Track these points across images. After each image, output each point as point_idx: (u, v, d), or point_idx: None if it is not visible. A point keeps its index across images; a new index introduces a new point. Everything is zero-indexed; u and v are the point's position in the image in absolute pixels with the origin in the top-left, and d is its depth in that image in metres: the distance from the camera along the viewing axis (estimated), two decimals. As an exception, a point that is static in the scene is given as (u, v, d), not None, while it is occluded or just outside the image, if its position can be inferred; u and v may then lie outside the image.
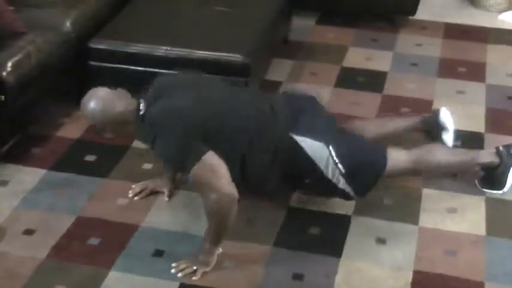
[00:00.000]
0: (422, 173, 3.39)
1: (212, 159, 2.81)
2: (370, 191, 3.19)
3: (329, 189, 3.12)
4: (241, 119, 2.99)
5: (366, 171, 3.15)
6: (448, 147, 3.45)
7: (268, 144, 3.01)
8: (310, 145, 3.04)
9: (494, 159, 3.33)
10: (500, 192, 3.36)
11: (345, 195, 3.16)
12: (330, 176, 3.06)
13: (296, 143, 3.04)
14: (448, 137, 3.53)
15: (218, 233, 2.87)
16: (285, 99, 3.27)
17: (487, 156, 3.35)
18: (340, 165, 3.05)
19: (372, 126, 3.53)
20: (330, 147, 3.04)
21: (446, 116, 3.54)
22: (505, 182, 3.34)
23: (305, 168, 3.07)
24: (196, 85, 3.07)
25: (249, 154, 2.97)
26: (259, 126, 3.02)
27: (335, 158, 3.04)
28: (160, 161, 3.12)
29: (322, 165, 3.04)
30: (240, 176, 2.92)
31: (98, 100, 2.93)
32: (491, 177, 3.38)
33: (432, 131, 3.56)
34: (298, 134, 3.05)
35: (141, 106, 2.92)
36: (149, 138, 2.91)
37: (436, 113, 3.57)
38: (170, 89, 2.99)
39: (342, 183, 3.08)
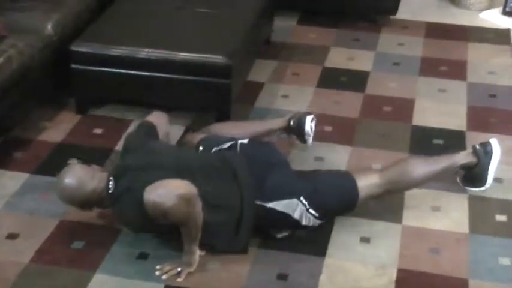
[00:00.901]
0: (400, 191, 3.32)
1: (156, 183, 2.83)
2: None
3: (303, 228, 3.11)
4: (206, 194, 2.91)
5: (339, 209, 3.17)
6: (423, 158, 3.34)
7: (234, 210, 2.98)
8: (283, 205, 3.02)
9: (472, 159, 3.34)
10: (482, 188, 3.38)
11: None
12: (305, 222, 3.06)
13: (265, 208, 3.02)
14: (310, 140, 3.61)
15: (191, 231, 2.86)
16: (246, 159, 3.13)
17: (464, 157, 3.36)
18: (312, 211, 3.04)
19: (240, 129, 3.51)
20: (301, 198, 3.03)
21: (309, 127, 3.56)
22: (486, 179, 3.36)
23: (278, 222, 3.07)
24: (163, 157, 3.08)
25: (214, 222, 2.93)
26: (224, 200, 2.98)
27: (307, 206, 3.03)
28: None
29: (294, 213, 3.03)
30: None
31: (72, 177, 2.98)
32: (471, 175, 3.39)
33: (297, 134, 3.61)
34: (266, 200, 3.02)
35: (110, 184, 2.94)
36: (117, 213, 3.01)
37: (301, 122, 3.56)
38: (138, 163, 3.00)
39: (314, 222, 3.08)
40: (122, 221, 3.06)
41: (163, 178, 2.84)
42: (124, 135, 3.41)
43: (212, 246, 2.99)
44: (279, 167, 3.17)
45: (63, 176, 3.00)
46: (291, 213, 3.03)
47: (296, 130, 3.59)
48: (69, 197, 3.01)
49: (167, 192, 2.77)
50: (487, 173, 3.35)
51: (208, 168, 3.05)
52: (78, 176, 2.98)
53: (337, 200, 3.12)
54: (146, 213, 2.79)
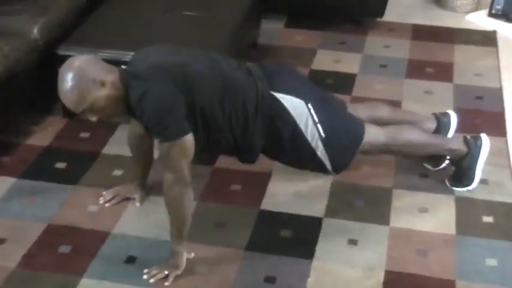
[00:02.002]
0: (396, 152, 3.40)
1: (189, 142, 2.79)
2: (346, 167, 3.23)
3: (307, 156, 3.11)
4: (224, 79, 2.96)
5: (344, 140, 3.16)
6: (419, 129, 3.44)
7: (251, 104, 2.98)
8: (290, 101, 3.03)
9: (463, 148, 3.38)
10: (470, 188, 3.40)
11: (321, 168, 3.17)
12: (309, 138, 3.05)
13: (276, 99, 3.03)
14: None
15: (178, 225, 2.87)
16: (261, 65, 3.23)
17: (456, 142, 3.41)
18: (319, 126, 3.05)
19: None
20: (309, 105, 3.04)
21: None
22: (474, 176, 3.39)
23: (285, 127, 3.05)
24: (177, 50, 3.04)
25: (234, 114, 2.95)
26: (240, 86, 2.99)
27: (314, 117, 3.05)
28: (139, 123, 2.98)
29: (301, 123, 3.03)
30: (227, 137, 2.97)
31: (73, 85, 2.73)
32: (460, 170, 3.41)
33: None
34: (277, 91, 3.04)
35: (124, 67, 2.86)
36: (136, 97, 2.76)
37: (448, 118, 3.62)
38: (150, 54, 2.95)
39: (320, 151, 3.09)
40: (137, 108, 2.81)
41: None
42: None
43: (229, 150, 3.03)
44: (295, 74, 3.27)
45: (62, 72, 2.77)
46: (297, 119, 3.03)
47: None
48: (77, 96, 2.75)
49: (177, 163, 2.77)
50: (476, 168, 3.39)
51: (223, 62, 3.06)
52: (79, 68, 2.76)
53: (344, 125, 3.18)
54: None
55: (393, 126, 3.33)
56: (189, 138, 2.79)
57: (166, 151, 2.78)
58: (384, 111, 3.47)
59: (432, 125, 3.53)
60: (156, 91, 2.75)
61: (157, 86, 2.76)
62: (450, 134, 3.56)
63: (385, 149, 3.30)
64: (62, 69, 2.79)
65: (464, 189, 3.41)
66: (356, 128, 3.19)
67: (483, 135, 3.43)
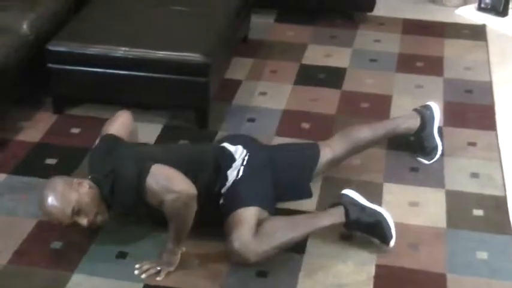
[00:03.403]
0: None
1: (159, 167, 2.85)
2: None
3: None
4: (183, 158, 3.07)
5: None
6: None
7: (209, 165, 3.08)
8: (232, 148, 3.14)
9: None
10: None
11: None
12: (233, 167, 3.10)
13: (221, 147, 3.16)
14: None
15: (179, 231, 2.87)
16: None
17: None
18: (241, 168, 3.09)
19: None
20: (244, 150, 3.14)
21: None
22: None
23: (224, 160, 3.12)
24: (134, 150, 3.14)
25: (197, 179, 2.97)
26: (200, 158, 3.10)
27: (245, 161, 3.10)
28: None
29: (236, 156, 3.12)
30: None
31: (56, 193, 2.87)
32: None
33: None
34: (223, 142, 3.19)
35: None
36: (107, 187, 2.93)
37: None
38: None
39: (224, 188, 3.08)
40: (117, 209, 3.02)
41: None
42: (88, 155, 3.36)
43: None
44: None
45: (45, 196, 2.90)
46: (236, 156, 3.12)
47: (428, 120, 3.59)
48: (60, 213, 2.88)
49: (170, 185, 2.79)
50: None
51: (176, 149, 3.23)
52: (58, 190, 2.90)
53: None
54: (139, 190, 2.83)
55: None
56: (157, 166, 2.86)
57: (151, 188, 2.82)
58: (366, 132, 3.44)
59: (416, 121, 3.53)
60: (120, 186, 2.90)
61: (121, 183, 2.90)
62: (436, 125, 3.57)
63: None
64: (43, 192, 2.89)
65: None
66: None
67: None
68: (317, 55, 4.65)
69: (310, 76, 4.39)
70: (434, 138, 3.54)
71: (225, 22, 4.11)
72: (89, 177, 2.99)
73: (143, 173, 2.83)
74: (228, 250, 2.88)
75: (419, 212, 3.28)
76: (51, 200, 2.86)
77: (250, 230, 2.87)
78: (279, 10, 5.22)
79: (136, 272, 2.90)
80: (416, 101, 3.94)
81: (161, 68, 3.74)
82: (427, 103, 3.61)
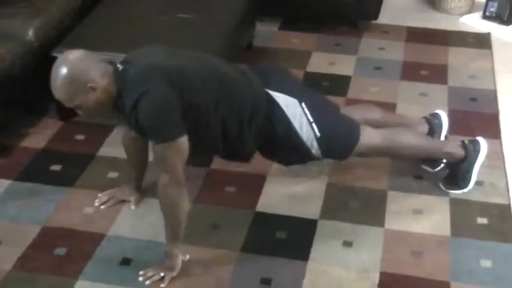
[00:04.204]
0: (393, 155, 3.42)
1: (184, 144, 2.77)
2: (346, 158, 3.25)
3: (303, 155, 3.11)
4: (219, 77, 2.96)
5: (340, 140, 3.16)
6: (417, 132, 3.46)
7: (246, 102, 2.99)
8: (284, 100, 3.04)
9: (461, 152, 3.38)
10: (465, 190, 3.41)
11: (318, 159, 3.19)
12: (304, 137, 3.05)
13: (271, 97, 3.03)
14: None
15: (173, 227, 2.87)
16: (255, 68, 3.22)
17: (454, 147, 3.41)
18: (314, 126, 3.05)
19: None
20: (303, 105, 3.04)
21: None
22: (469, 179, 3.39)
23: (280, 125, 3.04)
24: (172, 51, 3.03)
25: (229, 113, 2.94)
26: (235, 85, 3.00)
27: (309, 116, 3.04)
28: (132, 132, 3.04)
29: (296, 122, 3.03)
30: (221, 141, 2.94)
31: (69, 65, 2.72)
32: (456, 173, 3.42)
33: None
34: (271, 89, 3.05)
35: (118, 65, 2.82)
36: (130, 102, 2.74)
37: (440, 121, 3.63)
38: (145, 54, 2.93)
39: (315, 150, 3.09)
40: (132, 112, 2.78)
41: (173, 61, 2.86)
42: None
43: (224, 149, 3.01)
44: (287, 75, 3.29)
45: (56, 65, 2.75)
46: (291, 118, 3.03)
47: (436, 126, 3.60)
48: (69, 90, 2.74)
49: (170, 165, 2.77)
50: (472, 172, 3.39)
51: (215, 61, 3.07)
52: (73, 61, 2.74)
53: (340, 125, 3.18)
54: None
55: (389, 129, 3.33)
56: (184, 140, 2.78)
57: (162, 152, 2.78)
58: (376, 114, 3.46)
59: (424, 128, 3.54)
60: (152, 93, 2.73)
61: (153, 87, 2.74)
62: (443, 134, 3.57)
63: (381, 152, 3.31)
64: (57, 62, 2.76)
65: (459, 191, 3.42)
66: (352, 129, 3.19)
67: (480, 139, 3.44)
68: (321, 63, 4.65)
69: (314, 84, 4.38)
70: None
71: (229, 29, 4.12)
72: (118, 69, 2.81)
73: (168, 135, 2.74)
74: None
75: (423, 219, 3.28)
76: (56, 84, 2.73)
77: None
78: (284, 18, 5.23)
79: (140, 278, 2.90)
80: (420, 108, 3.94)
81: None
82: (436, 111, 3.61)
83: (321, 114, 3.09)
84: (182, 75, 2.83)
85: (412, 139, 3.34)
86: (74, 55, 2.77)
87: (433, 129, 3.54)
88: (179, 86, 2.79)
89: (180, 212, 2.85)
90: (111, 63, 2.85)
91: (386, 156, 3.43)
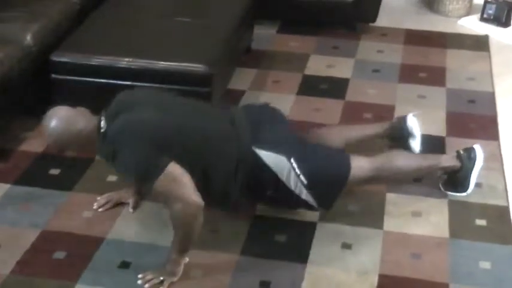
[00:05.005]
0: (386, 181, 3.40)
1: (175, 169, 2.79)
2: (333, 203, 3.18)
3: (292, 200, 3.10)
4: (203, 131, 2.97)
5: (329, 182, 3.14)
6: (409, 153, 3.46)
7: (231, 156, 2.99)
8: (272, 158, 3.02)
9: (456, 163, 3.37)
10: (464, 194, 3.41)
11: (308, 206, 3.15)
12: (292, 187, 3.05)
13: (257, 156, 3.02)
14: (415, 144, 3.56)
15: (184, 242, 2.87)
16: (245, 111, 3.24)
17: (448, 160, 3.39)
18: (302, 177, 3.04)
19: (336, 134, 3.54)
20: (292, 160, 3.03)
21: (413, 122, 3.56)
22: (468, 184, 3.39)
23: (267, 179, 3.05)
24: (157, 100, 3.05)
25: (212, 166, 2.95)
26: (221, 139, 3.00)
27: (297, 170, 3.03)
28: (123, 178, 3.11)
29: (283, 177, 3.03)
30: (202, 189, 2.88)
31: (59, 119, 2.93)
32: (454, 180, 3.42)
33: (399, 137, 3.58)
34: (259, 147, 3.03)
35: (102, 123, 2.90)
36: (110, 155, 2.88)
37: (403, 120, 3.59)
38: (131, 105, 2.97)
39: (304, 194, 3.08)
40: (109, 164, 2.96)
41: (158, 117, 2.88)
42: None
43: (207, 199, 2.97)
44: (277, 122, 3.24)
45: (49, 116, 2.95)
46: (277, 171, 3.02)
47: (398, 131, 3.58)
48: (56, 137, 2.95)
49: (178, 192, 2.77)
50: (470, 179, 3.39)
51: (205, 111, 3.10)
52: (65, 115, 2.95)
53: (328, 169, 3.13)
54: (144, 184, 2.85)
55: (381, 155, 3.29)
56: (173, 165, 2.79)
57: (161, 189, 2.79)
58: (341, 134, 3.49)
59: (382, 128, 3.58)
60: (126, 153, 2.81)
61: (127, 149, 2.81)
62: (417, 138, 3.56)
63: (374, 180, 3.28)
64: (48, 115, 2.97)
65: (458, 194, 3.42)
66: (340, 169, 3.15)
67: (476, 147, 3.42)
68: (320, 65, 4.66)
69: (312, 86, 4.40)
70: None
71: (228, 33, 4.12)
72: (103, 114, 2.94)
73: (155, 171, 2.77)
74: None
75: (422, 222, 3.28)
76: (48, 130, 2.96)
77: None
78: (282, 21, 5.24)
79: (139, 282, 2.90)
80: (419, 111, 3.94)
81: (164, 79, 3.74)
82: (406, 115, 3.58)
83: (309, 163, 3.07)
84: (163, 133, 2.87)
85: (403, 163, 3.29)
86: (63, 111, 2.96)
87: (396, 134, 3.56)
88: (158, 143, 2.82)
89: (194, 231, 2.85)
90: (99, 112, 2.97)
91: (380, 183, 3.41)
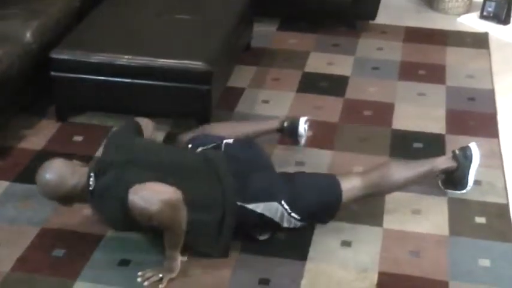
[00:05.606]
0: (383, 194, 3.35)
1: (138, 185, 2.82)
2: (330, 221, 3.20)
3: (284, 229, 3.12)
4: (191, 192, 2.92)
5: (322, 211, 3.15)
6: (404, 162, 3.38)
7: (216, 210, 2.99)
8: (263, 207, 3.03)
9: (452, 164, 3.36)
10: (463, 191, 3.41)
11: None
12: (286, 225, 3.07)
13: (246, 209, 3.02)
14: (302, 141, 3.64)
15: (174, 237, 2.87)
16: (228, 161, 3.14)
17: (444, 162, 3.37)
18: (294, 214, 3.05)
19: (228, 129, 3.51)
20: (283, 202, 3.03)
21: (303, 128, 3.59)
22: (466, 182, 3.38)
23: (260, 223, 3.07)
24: (148, 159, 3.03)
25: (197, 221, 2.92)
26: (206, 198, 2.99)
27: (288, 210, 3.04)
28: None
29: (277, 218, 3.05)
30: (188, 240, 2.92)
31: (54, 173, 2.96)
32: (452, 179, 3.41)
33: (289, 136, 3.65)
34: (248, 201, 3.02)
35: (91, 181, 2.93)
36: (98, 210, 3.00)
37: (295, 123, 3.60)
38: (122, 161, 2.97)
39: (300, 225, 3.10)
40: (101, 218, 3.05)
41: (143, 178, 2.85)
42: (110, 132, 3.40)
43: (194, 247, 2.99)
44: (261, 168, 3.20)
45: (43, 170, 2.99)
46: (271, 216, 3.03)
47: (289, 131, 3.62)
48: (50, 192, 2.99)
49: (152, 196, 2.78)
50: (468, 177, 3.38)
51: (190, 168, 3.06)
52: (58, 171, 2.97)
53: (320, 203, 3.12)
54: (128, 213, 2.81)
55: (374, 170, 3.25)
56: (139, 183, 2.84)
57: (133, 202, 2.79)
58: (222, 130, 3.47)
59: (273, 125, 3.62)
60: (109, 211, 2.91)
61: (109, 206, 2.90)
62: (304, 137, 3.61)
63: (370, 196, 3.23)
64: (42, 169, 3.01)
65: (458, 192, 3.42)
66: (331, 196, 3.13)
67: (472, 145, 3.40)
68: (319, 63, 4.66)
69: (312, 84, 4.40)
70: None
71: (227, 30, 4.12)
72: (92, 169, 2.98)
73: (125, 192, 2.82)
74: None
75: (421, 219, 3.28)
76: (40, 183, 3.01)
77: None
78: (282, 18, 5.24)
79: (139, 279, 2.90)
80: (419, 108, 3.95)
81: (164, 76, 3.75)
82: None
83: (301, 202, 3.07)
84: None
85: (399, 176, 3.24)
86: (56, 164, 3.00)
87: (287, 134, 3.63)
88: None
89: (181, 224, 2.85)
90: (90, 163, 3.10)
91: (380, 196, 3.37)
